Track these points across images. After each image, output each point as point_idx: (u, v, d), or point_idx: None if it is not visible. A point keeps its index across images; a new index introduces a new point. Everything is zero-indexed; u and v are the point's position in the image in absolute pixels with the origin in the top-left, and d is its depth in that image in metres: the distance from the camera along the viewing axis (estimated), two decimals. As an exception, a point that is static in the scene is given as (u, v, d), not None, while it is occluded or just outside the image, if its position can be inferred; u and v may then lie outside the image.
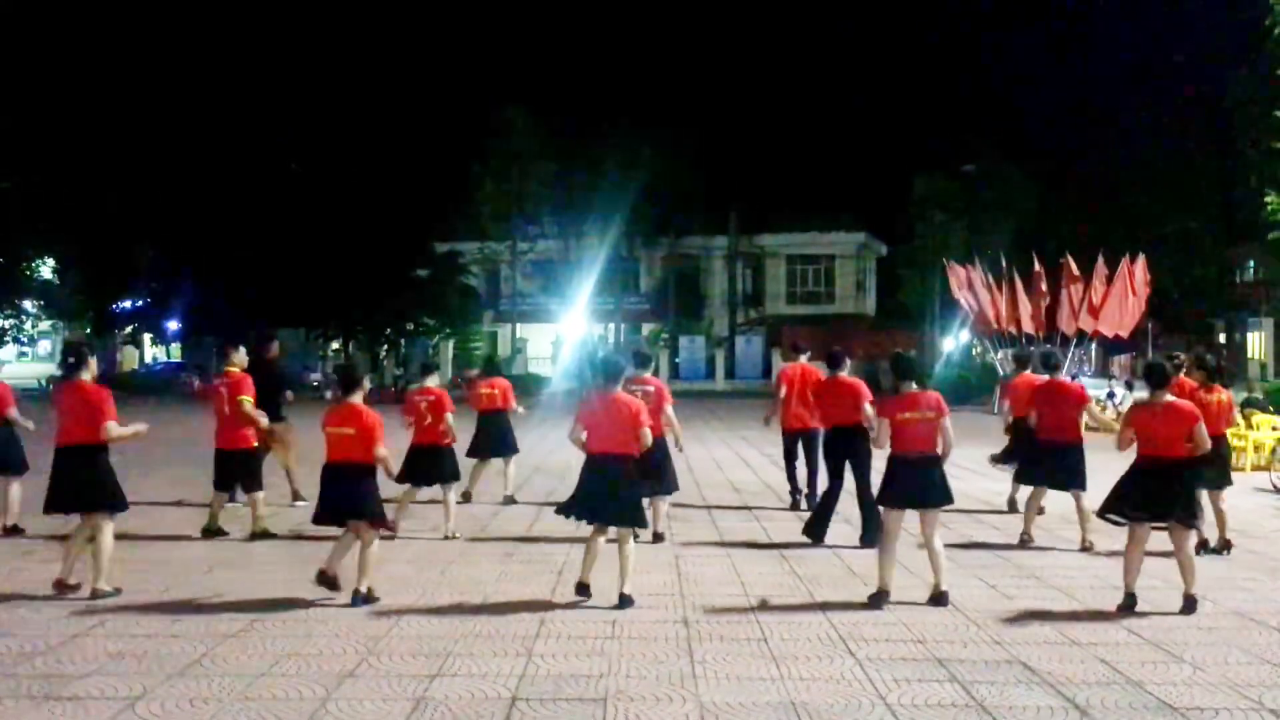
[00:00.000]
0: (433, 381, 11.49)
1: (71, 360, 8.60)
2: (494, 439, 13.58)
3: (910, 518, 8.51)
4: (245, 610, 7.91)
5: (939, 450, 8.33)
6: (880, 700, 6.00)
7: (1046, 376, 11.51)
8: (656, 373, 11.07)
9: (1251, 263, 61.08)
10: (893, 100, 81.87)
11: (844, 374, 11.22)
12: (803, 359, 13.46)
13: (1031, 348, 23.61)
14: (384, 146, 50.23)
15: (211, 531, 10.97)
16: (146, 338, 61.39)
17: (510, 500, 13.46)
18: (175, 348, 62.95)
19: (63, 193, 47.28)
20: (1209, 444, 8.36)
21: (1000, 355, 35.47)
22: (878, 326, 57.19)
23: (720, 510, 13.08)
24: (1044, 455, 10.94)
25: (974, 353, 52.84)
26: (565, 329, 55.53)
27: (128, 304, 56.76)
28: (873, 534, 10.39)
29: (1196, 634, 7.47)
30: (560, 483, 14.80)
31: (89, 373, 8.56)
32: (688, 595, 8.55)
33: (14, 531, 10.92)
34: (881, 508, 8.61)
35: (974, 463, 16.13)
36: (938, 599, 8.21)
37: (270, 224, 49.39)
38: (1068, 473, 10.79)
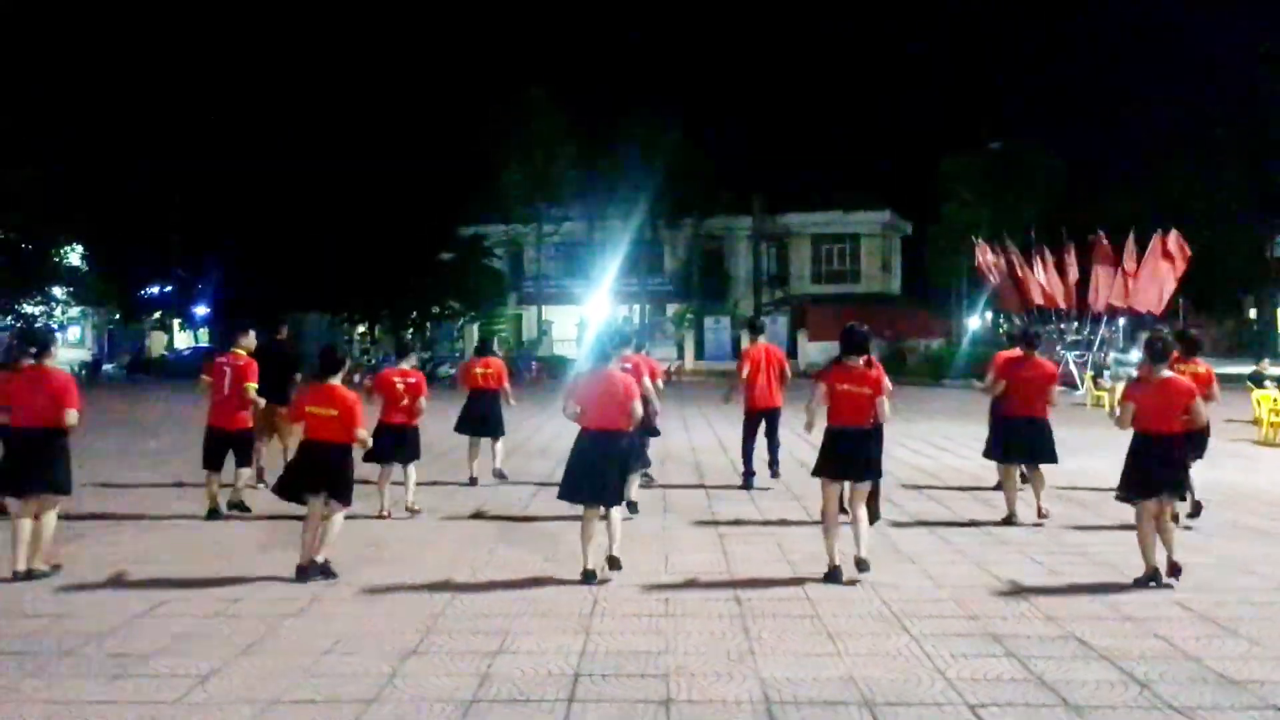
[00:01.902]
0: (409, 363, 11.68)
1: (35, 347, 8.65)
2: (483, 418, 13.67)
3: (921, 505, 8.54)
4: (301, 589, 8.02)
5: (873, 423, 8.39)
6: (939, 675, 6.04)
7: (1023, 352, 11.43)
8: (638, 350, 11.28)
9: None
10: (918, 78, 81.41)
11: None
12: (762, 339, 13.72)
13: (1047, 326, 23.66)
14: (409, 131, 50.39)
15: (215, 513, 11.07)
16: (175, 323, 61.69)
17: (500, 475, 13.61)
18: (203, 333, 63.41)
19: (89, 179, 47.56)
20: (1205, 419, 8.43)
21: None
22: (903, 305, 57.03)
23: (757, 491, 13.11)
24: (1013, 430, 10.95)
25: (1000, 332, 52.67)
26: (589, 311, 55.60)
27: (156, 290, 57.14)
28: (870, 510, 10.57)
29: (1249, 609, 7.48)
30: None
31: (52, 359, 8.62)
32: (736, 573, 8.61)
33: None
34: (818, 479, 8.62)
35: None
36: (859, 566, 8.22)
37: (297, 209, 49.60)
38: (1038, 446, 10.88)
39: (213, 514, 11.06)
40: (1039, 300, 34.04)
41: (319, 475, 8.39)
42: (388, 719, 5.36)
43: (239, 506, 11.21)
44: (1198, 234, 45.33)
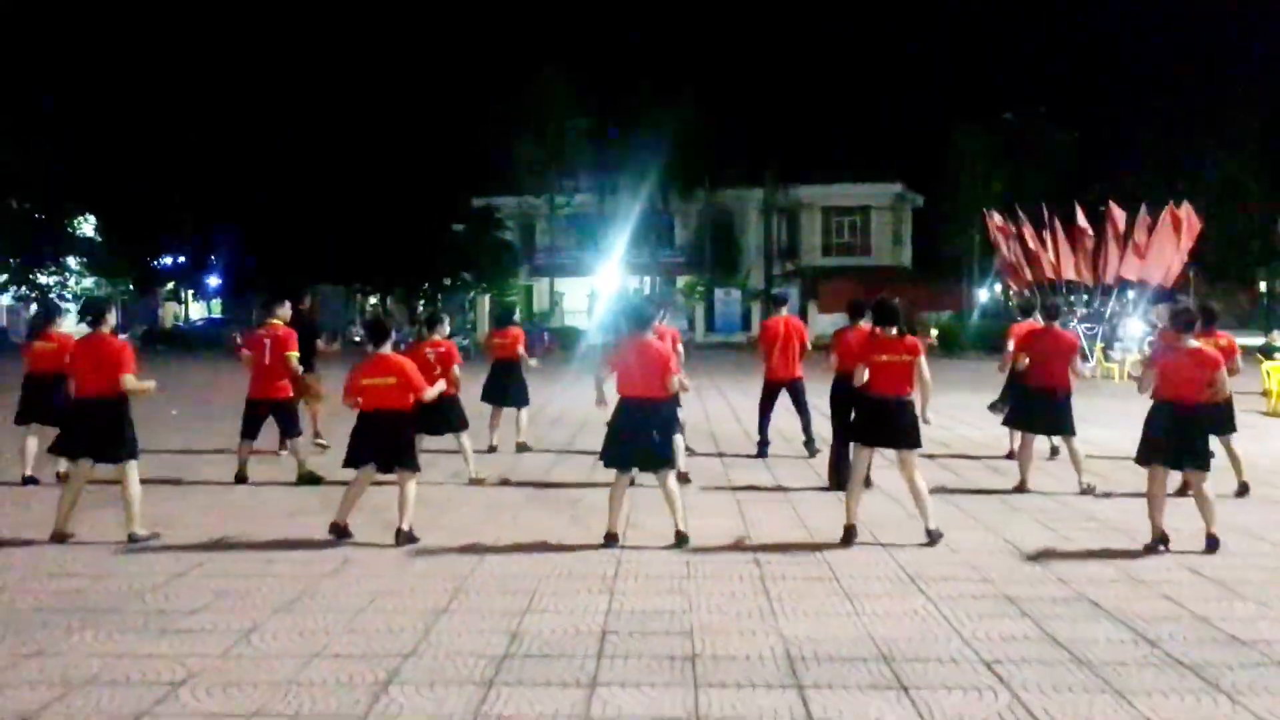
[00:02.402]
0: (440, 334, 11.76)
1: (91, 315, 8.81)
2: (504, 388, 13.92)
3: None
4: (334, 549, 8.25)
5: (912, 393, 8.58)
6: (955, 634, 6.25)
7: (1043, 324, 11.60)
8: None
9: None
10: (931, 50, 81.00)
11: (864, 324, 11.42)
12: (784, 311, 13.89)
13: (1057, 299, 23.83)
14: (421, 104, 50.40)
15: (243, 479, 11.30)
16: (188, 294, 62.00)
17: (524, 447, 13.79)
18: (215, 304, 63.71)
19: (102, 150, 47.75)
20: (1228, 390, 8.56)
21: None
22: (915, 278, 57.05)
23: (774, 458, 13.31)
24: (1033, 401, 11.07)
25: (1011, 304, 52.74)
26: (601, 282, 55.76)
27: (169, 261, 57.38)
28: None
29: (1258, 573, 7.66)
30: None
31: (108, 326, 8.79)
32: (755, 537, 8.82)
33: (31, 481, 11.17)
34: (852, 445, 8.86)
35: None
36: (931, 538, 8.47)
37: (310, 181, 49.74)
38: (1057, 418, 11.01)
39: (240, 479, 11.28)
40: (1050, 274, 34.08)
41: (384, 445, 8.54)
42: (424, 672, 5.58)
43: (309, 479, 11.20)
44: (1210, 207, 45.34)
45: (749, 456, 13.42)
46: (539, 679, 5.47)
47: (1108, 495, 10.69)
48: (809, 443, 13.41)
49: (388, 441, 8.55)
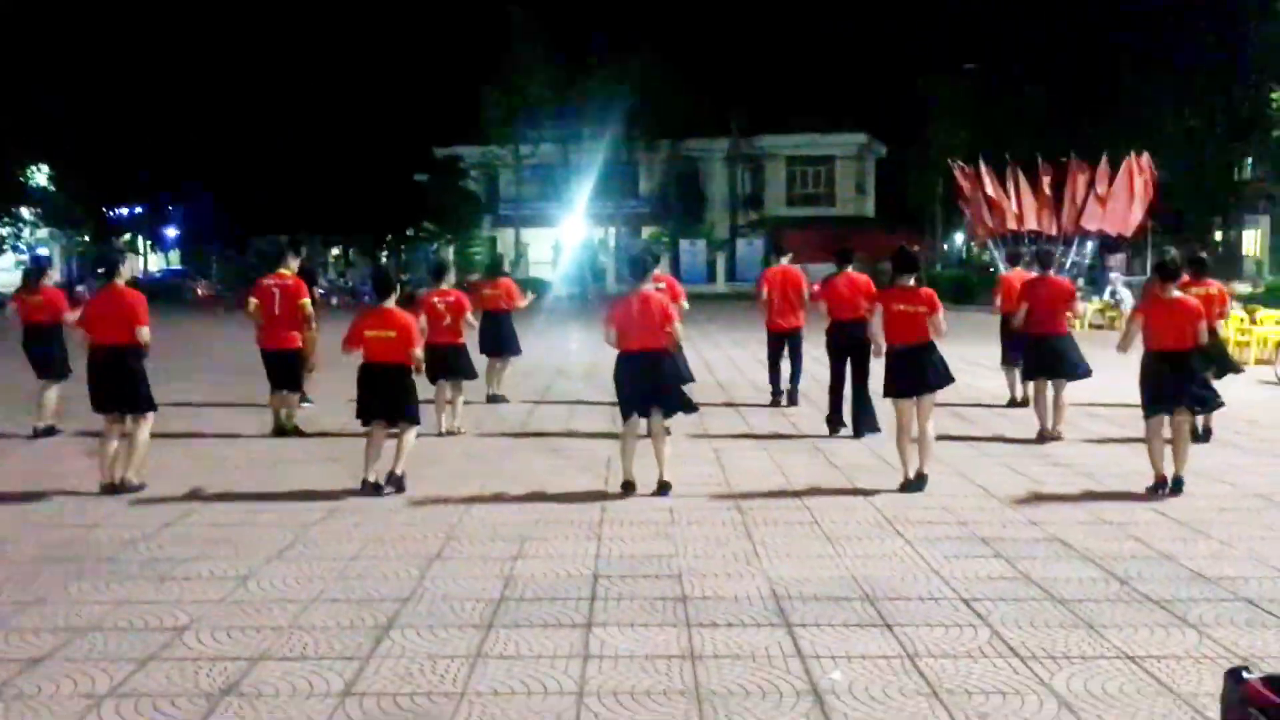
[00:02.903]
0: (447, 283, 11.77)
1: (105, 268, 9.02)
2: (495, 337, 14.03)
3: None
4: (319, 500, 8.36)
5: (931, 339, 8.78)
6: (934, 573, 6.46)
7: (1037, 273, 11.79)
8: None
9: (1249, 161, 61.08)
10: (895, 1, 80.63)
11: (852, 270, 11.65)
12: (784, 260, 13.85)
13: (1033, 247, 24.19)
14: (384, 52, 49.87)
15: (292, 430, 11.36)
16: (146, 245, 61.33)
17: (499, 398, 13.85)
18: (174, 255, 63.13)
19: (57, 99, 46.91)
20: (1206, 336, 8.82)
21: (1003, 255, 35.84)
22: (878, 228, 57.28)
23: (746, 407, 13.51)
24: (1042, 349, 11.22)
25: (974, 255, 53.33)
26: (565, 233, 55.66)
27: (126, 211, 56.72)
28: (865, 427, 11.15)
29: (1220, 514, 7.93)
30: (587, 384, 15.35)
31: (123, 278, 8.90)
32: (734, 485, 9.00)
33: (49, 433, 11.28)
34: (890, 400, 9.04)
35: (989, 360, 16.53)
36: (918, 480, 8.67)
37: (272, 131, 49.19)
38: (1065, 363, 11.15)
39: (281, 431, 11.37)
40: (1013, 225, 34.39)
41: (386, 397, 8.67)
42: (423, 616, 5.72)
43: (294, 431, 11.35)
44: (1171, 158, 45.80)
45: (723, 405, 13.60)
46: (536, 620, 5.64)
47: (1049, 440, 10.94)
48: (793, 393, 13.55)
49: (390, 393, 8.68)
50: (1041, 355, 11.16)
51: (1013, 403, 13.24)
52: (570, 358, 19.73)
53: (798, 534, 7.42)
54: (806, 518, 7.87)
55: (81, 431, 10.92)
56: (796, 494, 8.64)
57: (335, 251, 59.00)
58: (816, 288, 11.95)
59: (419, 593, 6.12)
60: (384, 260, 55.09)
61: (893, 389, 8.90)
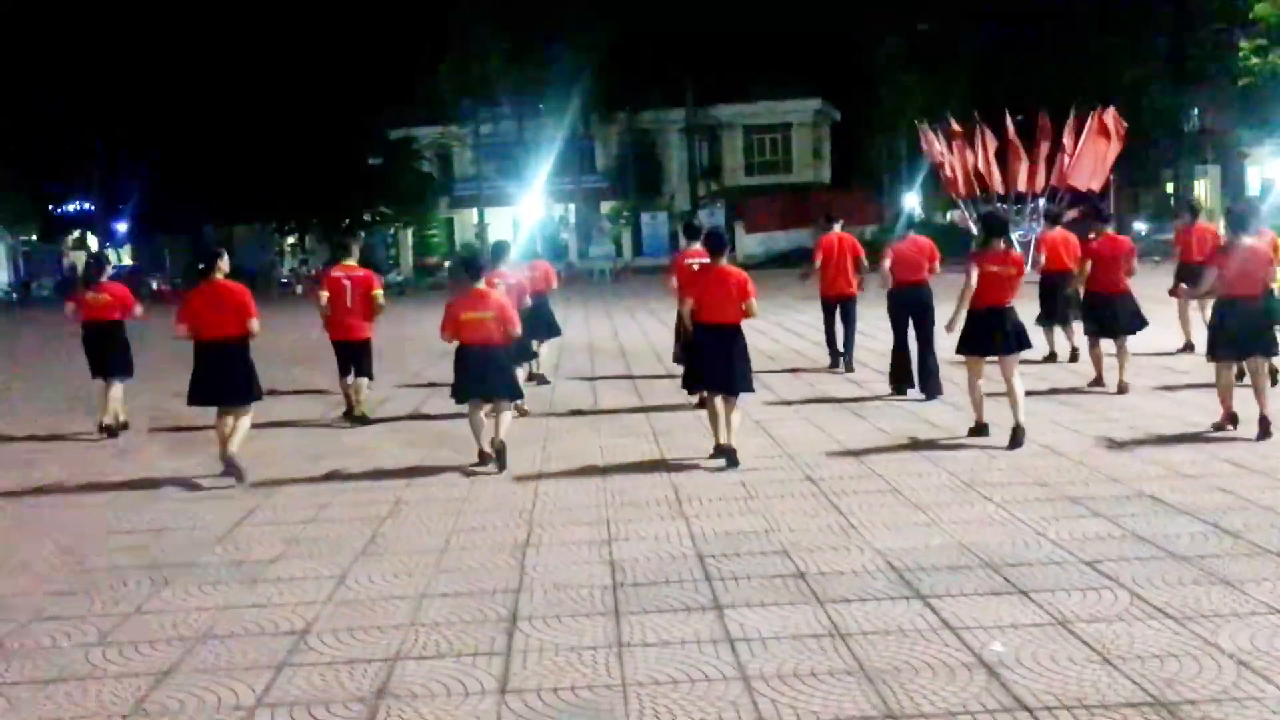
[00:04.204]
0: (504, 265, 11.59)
1: (205, 263, 9.02)
2: (535, 320, 13.69)
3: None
4: (382, 491, 8.15)
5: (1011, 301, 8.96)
6: (1042, 537, 6.37)
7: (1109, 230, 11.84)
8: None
9: (1196, 111, 61.78)
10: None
11: (914, 234, 11.77)
12: (837, 227, 13.83)
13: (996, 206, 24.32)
14: (332, 32, 48.93)
15: (360, 418, 11.30)
16: (98, 242, 60.04)
17: (542, 379, 13.61)
18: (124, 251, 61.81)
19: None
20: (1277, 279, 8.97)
21: (963, 214, 35.99)
22: (835, 193, 57.28)
23: (766, 374, 13.36)
24: (1101, 306, 11.30)
25: (933, 214, 53.62)
26: (523, 211, 55.13)
27: (74, 207, 55.49)
28: (932, 387, 11.11)
29: (1292, 462, 7.93)
30: (603, 359, 15.20)
31: (221, 273, 8.90)
32: (794, 454, 8.88)
33: (117, 430, 11.16)
34: (964, 355, 9.15)
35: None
36: (1016, 434, 8.75)
37: (222, 119, 48.18)
38: (1132, 316, 11.34)
39: (349, 415, 11.35)
40: (985, 184, 34.46)
41: (488, 378, 8.74)
42: (544, 606, 5.54)
43: (362, 420, 11.29)
44: (1121, 108, 46.07)
45: (774, 372, 13.44)
46: (663, 605, 5.48)
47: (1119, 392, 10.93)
48: (848, 358, 13.60)
49: (489, 373, 8.73)
50: (1105, 313, 11.21)
51: (1052, 357, 13.28)
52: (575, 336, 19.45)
53: (884, 503, 7.30)
54: (883, 485, 7.77)
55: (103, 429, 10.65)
56: (860, 460, 8.54)
57: (291, 240, 57.97)
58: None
59: (528, 583, 5.94)
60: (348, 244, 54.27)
61: (972, 346, 9.03)
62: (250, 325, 8.70)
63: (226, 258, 9.17)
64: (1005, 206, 35.01)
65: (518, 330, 8.97)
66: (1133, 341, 11.45)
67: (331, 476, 8.85)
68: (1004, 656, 4.67)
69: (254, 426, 10.27)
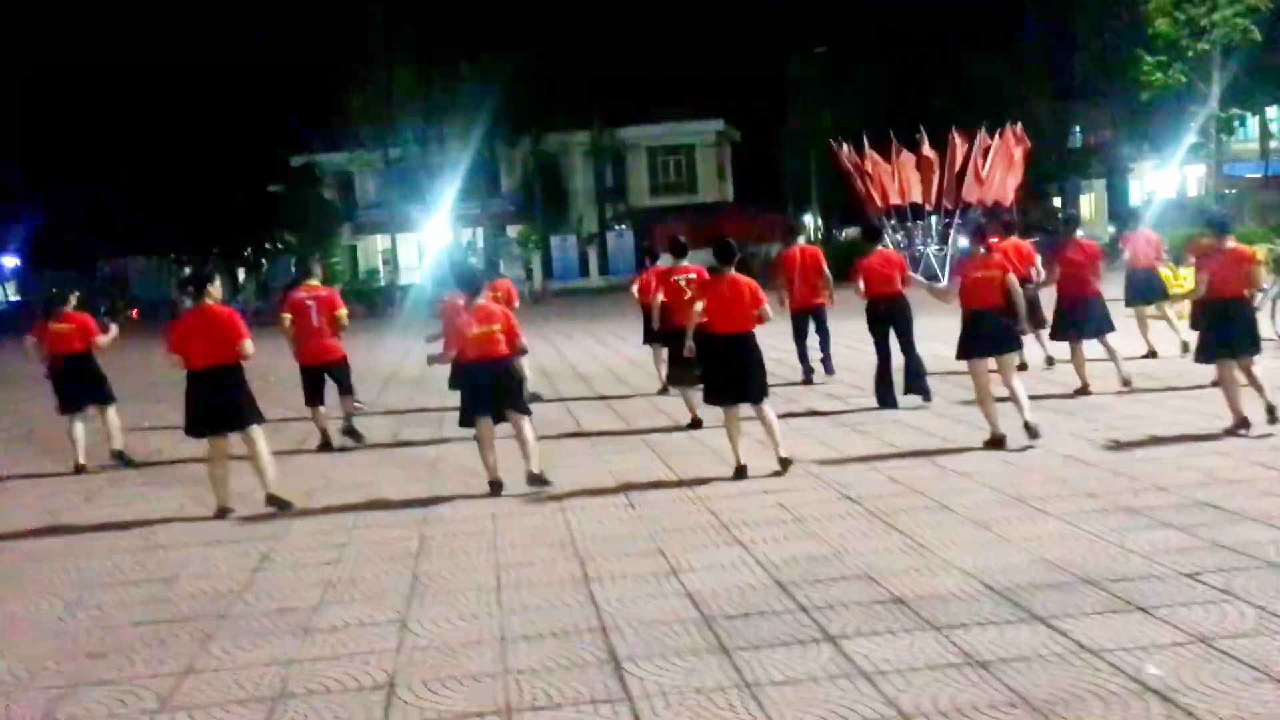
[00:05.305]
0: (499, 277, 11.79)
1: (195, 287, 8.65)
2: None
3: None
4: (398, 529, 7.66)
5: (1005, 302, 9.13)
6: (1123, 549, 6.16)
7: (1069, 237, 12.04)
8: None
9: (1078, 128, 63.78)
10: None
11: (884, 247, 11.90)
12: (800, 241, 14.38)
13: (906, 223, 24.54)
14: (230, 60, 47.75)
15: (351, 432, 11.09)
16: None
17: (535, 397, 13.21)
18: (10, 286, 59.40)
19: None
20: (1262, 279, 9.20)
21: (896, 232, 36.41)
22: (739, 212, 57.56)
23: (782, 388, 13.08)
24: (1084, 308, 11.40)
25: (834, 232, 54.45)
26: (428, 237, 54.27)
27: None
28: (919, 387, 11.36)
29: (1328, 464, 7.90)
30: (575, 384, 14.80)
31: (212, 298, 8.45)
32: (818, 475, 8.59)
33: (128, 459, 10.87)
34: (966, 360, 9.24)
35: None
36: (1030, 431, 8.89)
37: (116, 147, 46.56)
38: (1096, 322, 11.44)
39: (326, 446, 10.96)
40: (895, 199, 34.87)
41: (499, 392, 8.38)
42: (642, 645, 5.15)
43: (352, 434, 11.09)
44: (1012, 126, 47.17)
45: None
46: (770, 639, 5.13)
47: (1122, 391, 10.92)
48: (826, 361, 13.72)
49: (495, 389, 8.36)
50: (1075, 315, 11.36)
51: (1022, 366, 13.27)
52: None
53: (940, 520, 7.05)
54: (929, 502, 7.52)
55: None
56: (890, 477, 8.30)
57: (188, 270, 56.15)
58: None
59: (610, 621, 5.54)
60: (243, 276, 52.84)
61: (971, 349, 9.13)
62: (243, 348, 8.22)
63: (218, 282, 8.67)
64: (919, 222, 35.62)
65: (523, 340, 8.76)
66: (1096, 348, 11.51)
67: (337, 512, 8.31)
68: (1165, 680, 4.43)
69: (230, 459, 9.75)
